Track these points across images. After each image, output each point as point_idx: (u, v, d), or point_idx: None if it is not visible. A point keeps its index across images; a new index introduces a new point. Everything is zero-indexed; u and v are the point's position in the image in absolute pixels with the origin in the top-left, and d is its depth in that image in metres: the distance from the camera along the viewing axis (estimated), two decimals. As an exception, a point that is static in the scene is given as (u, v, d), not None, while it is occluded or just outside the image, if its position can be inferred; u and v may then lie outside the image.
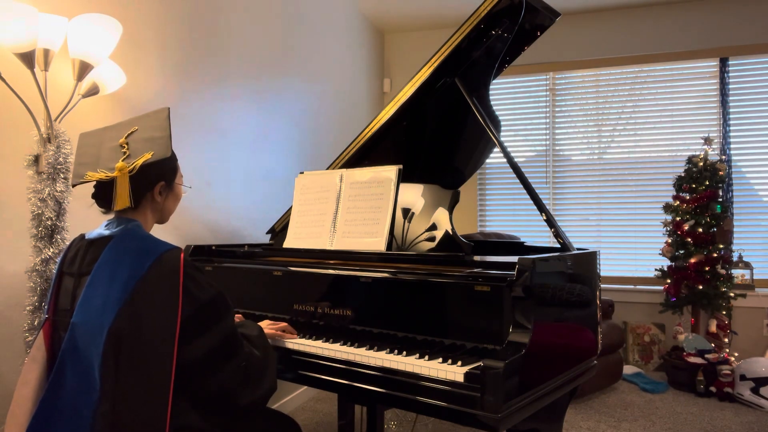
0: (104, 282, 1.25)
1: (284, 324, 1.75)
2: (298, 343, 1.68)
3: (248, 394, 1.34)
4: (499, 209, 4.89)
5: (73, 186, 1.44)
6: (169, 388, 1.19)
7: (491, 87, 2.15)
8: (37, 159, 1.80)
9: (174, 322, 1.22)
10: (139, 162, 1.36)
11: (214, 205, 2.80)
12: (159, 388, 1.19)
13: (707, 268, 3.76)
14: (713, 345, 3.72)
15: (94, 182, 1.41)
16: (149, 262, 1.25)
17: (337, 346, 1.62)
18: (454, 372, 1.36)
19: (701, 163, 3.87)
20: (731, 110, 4.27)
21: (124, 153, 1.39)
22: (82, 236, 1.44)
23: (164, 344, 1.20)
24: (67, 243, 1.83)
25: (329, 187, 1.99)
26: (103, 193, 1.40)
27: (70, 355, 1.25)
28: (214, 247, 2.26)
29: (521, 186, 1.95)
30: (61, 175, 1.80)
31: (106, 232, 1.36)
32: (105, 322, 1.19)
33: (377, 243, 1.79)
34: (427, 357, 1.46)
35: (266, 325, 1.70)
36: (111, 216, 1.43)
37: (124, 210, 1.40)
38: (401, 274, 1.65)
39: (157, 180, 1.44)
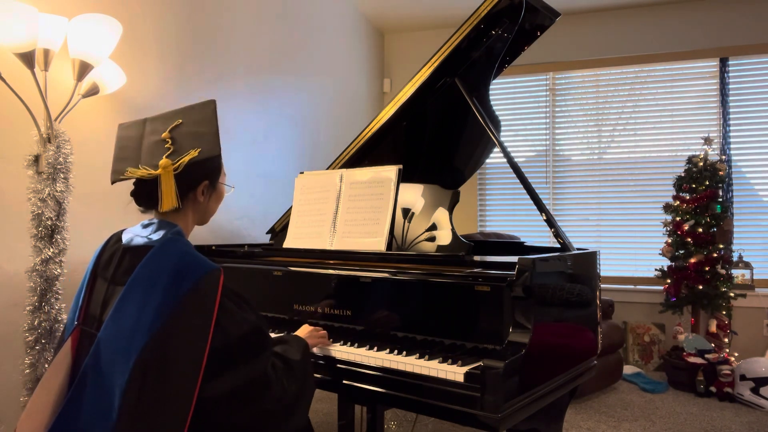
0: (137, 301, 1.16)
1: (323, 332, 1.66)
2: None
3: None
4: (499, 209, 4.89)
5: (113, 183, 1.34)
6: (186, 424, 1.11)
7: (491, 87, 2.15)
8: (37, 159, 1.80)
9: (201, 357, 1.13)
10: (186, 160, 1.27)
11: (214, 205, 2.79)
12: (176, 423, 1.11)
13: (707, 268, 3.76)
14: (713, 345, 3.72)
15: (133, 181, 1.33)
16: (185, 288, 1.16)
17: (337, 345, 1.62)
18: (454, 372, 1.36)
19: (701, 163, 3.87)
20: (731, 110, 4.27)
21: (168, 148, 1.30)
22: (119, 237, 1.34)
23: (188, 379, 1.12)
24: (67, 243, 1.83)
25: (329, 187, 1.99)
26: (144, 192, 1.30)
27: (92, 373, 1.18)
28: (214, 247, 2.26)
29: (521, 186, 1.95)
30: (61, 175, 1.80)
31: (143, 240, 1.27)
32: (133, 349, 1.11)
33: (377, 243, 1.79)
34: (427, 357, 1.46)
35: (307, 333, 1.59)
36: (149, 215, 1.35)
37: (165, 212, 1.31)
38: (401, 274, 1.65)
39: (201, 179, 1.35)
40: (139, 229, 1.31)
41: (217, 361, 1.16)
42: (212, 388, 1.15)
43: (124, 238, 1.31)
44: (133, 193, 1.34)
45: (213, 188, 1.40)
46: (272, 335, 1.56)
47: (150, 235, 1.27)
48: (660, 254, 4.05)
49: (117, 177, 1.33)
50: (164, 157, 1.28)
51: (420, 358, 1.47)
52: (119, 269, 1.27)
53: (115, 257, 1.30)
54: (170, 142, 1.31)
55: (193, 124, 1.34)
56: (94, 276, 1.33)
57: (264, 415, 1.22)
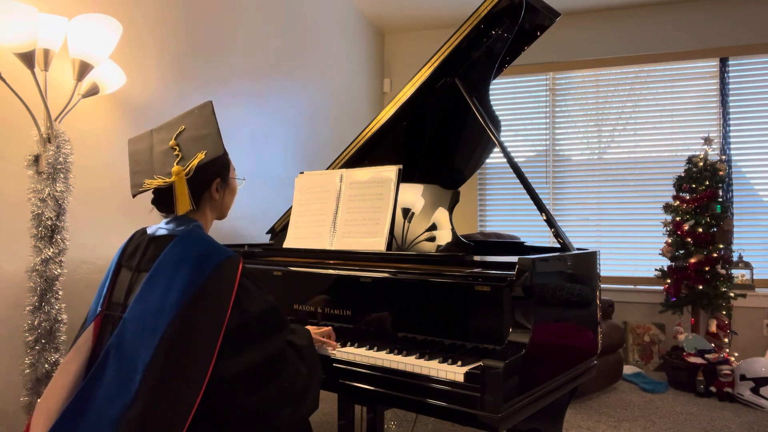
0: (162, 283, 1.23)
1: (328, 329, 1.66)
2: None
3: (287, 415, 1.27)
4: (499, 209, 4.89)
5: (134, 196, 1.43)
6: (194, 405, 1.15)
7: (491, 87, 2.15)
8: (37, 159, 1.80)
9: (216, 338, 1.18)
10: (194, 163, 1.36)
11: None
12: (188, 400, 1.15)
13: (707, 268, 3.76)
14: (713, 345, 3.72)
15: (152, 190, 1.41)
16: (209, 269, 1.23)
17: (337, 345, 1.62)
18: (454, 372, 1.36)
19: (701, 163, 3.87)
20: (731, 110, 4.27)
21: (177, 155, 1.39)
22: (144, 230, 1.43)
23: (204, 356, 1.17)
24: (67, 243, 1.83)
25: (329, 187, 1.99)
26: (163, 199, 1.39)
27: (115, 351, 1.22)
28: (214, 247, 2.26)
29: (521, 186, 1.95)
30: (61, 175, 1.80)
31: (167, 231, 1.36)
32: (159, 326, 1.17)
33: (377, 243, 1.79)
34: (427, 357, 1.46)
35: (311, 331, 1.60)
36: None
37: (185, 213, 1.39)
38: (401, 274, 1.65)
39: (213, 178, 1.44)
40: (162, 224, 1.41)
41: (236, 338, 1.22)
42: (231, 365, 1.20)
43: (149, 231, 1.41)
44: (154, 202, 1.43)
45: (225, 183, 1.49)
46: None
47: (173, 228, 1.37)
48: (660, 254, 4.05)
49: (137, 190, 1.42)
50: (175, 164, 1.37)
51: (420, 358, 1.47)
52: (144, 258, 1.35)
53: (140, 248, 1.38)
54: (178, 149, 1.40)
55: (195, 128, 1.42)
56: (119, 267, 1.41)
57: (281, 395, 1.26)
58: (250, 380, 1.22)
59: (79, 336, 1.36)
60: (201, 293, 1.21)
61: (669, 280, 3.93)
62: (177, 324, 1.17)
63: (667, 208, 3.99)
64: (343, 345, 1.63)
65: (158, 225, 1.41)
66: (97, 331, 1.34)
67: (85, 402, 1.21)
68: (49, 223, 1.76)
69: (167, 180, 1.36)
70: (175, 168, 1.35)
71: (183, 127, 1.43)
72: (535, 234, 4.60)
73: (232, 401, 1.22)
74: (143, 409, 1.12)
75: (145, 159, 1.44)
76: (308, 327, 1.65)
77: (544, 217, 1.89)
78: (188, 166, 1.35)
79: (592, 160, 4.63)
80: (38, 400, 1.28)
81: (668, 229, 3.99)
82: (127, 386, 1.16)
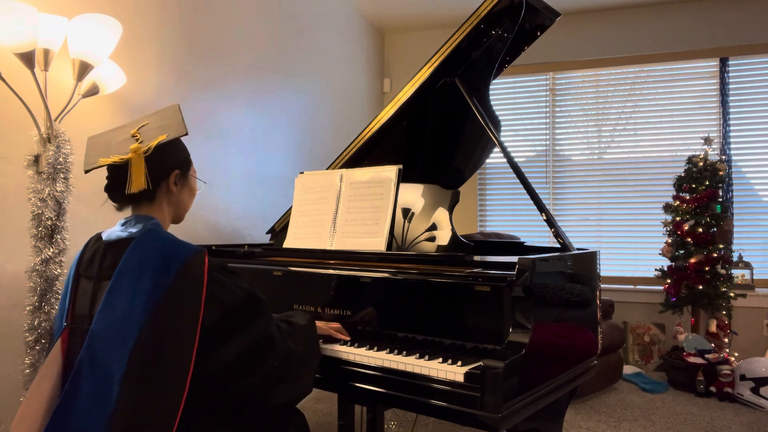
0: (127, 289, 1.19)
1: (338, 324, 1.67)
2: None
3: (280, 395, 1.28)
4: (499, 209, 4.89)
5: (86, 172, 1.35)
6: (180, 404, 1.14)
7: (491, 87, 2.15)
8: (37, 159, 1.80)
9: (193, 336, 1.16)
10: (154, 143, 1.29)
11: (214, 205, 2.80)
12: (172, 404, 1.13)
13: (707, 268, 3.76)
14: (713, 345, 3.72)
15: (106, 176, 1.35)
16: (174, 269, 1.19)
17: (337, 346, 1.62)
18: (454, 372, 1.36)
19: (701, 163, 3.87)
20: (731, 110, 4.27)
21: (137, 139, 1.33)
22: (99, 236, 1.36)
23: (182, 359, 1.15)
24: (68, 243, 1.83)
25: (329, 187, 1.99)
26: (117, 182, 1.31)
27: (88, 364, 1.18)
28: (214, 247, 2.26)
29: (521, 186, 1.95)
30: (61, 175, 1.80)
31: (125, 234, 1.29)
32: (129, 335, 1.14)
33: (377, 243, 1.79)
34: (427, 357, 1.46)
35: (321, 325, 1.62)
36: (126, 214, 1.37)
37: (140, 205, 1.35)
38: (401, 274, 1.65)
39: (171, 168, 1.38)
40: (118, 227, 1.34)
41: (219, 331, 1.20)
42: (220, 357, 1.20)
43: (104, 236, 1.34)
44: (107, 188, 1.36)
45: (185, 179, 1.44)
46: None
47: (129, 229, 1.30)
48: (660, 254, 4.05)
49: (90, 166, 1.34)
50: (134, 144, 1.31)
51: (420, 358, 1.47)
52: (103, 265, 1.29)
53: (98, 255, 1.31)
54: (139, 137, 1.34)
55: (158, 121, 1.39)
56: (77, 277, 1.34)
57: (272, 376, 1.27)
58: (241, 367, 1.23)
59: (47, 354, 1.30)
60: (170, 295, 1.17)
61: (669, 280, 3.93)
62: (149, 329, 1.14)
63: (667, 208, 3.99)
64: (344, 345, 1.63)
65: (113, 229, 1.33)
66: (65, 346, 1.28)
67: (63, 422, 1.17)
68: (49, 223, 1.76)
69: (123, 157, 1.28)
70: (134, 146, 1.28)
71: (146, 122, 1.39)
72: (535, 234, 4.60)
73: (225, 390, 1.22)
74: (127, 420, 1.11)
75: (103, 147, 1.37)
76: (319, 322, 1.65)
77: (544, 217, 1.89)
78: (147, 144, 1.29)
79: (592, 160, 4.63)
80: (12, 424, 1.23)
81: (668, 229, 3.99)
82: (106, 399, 1.13)
